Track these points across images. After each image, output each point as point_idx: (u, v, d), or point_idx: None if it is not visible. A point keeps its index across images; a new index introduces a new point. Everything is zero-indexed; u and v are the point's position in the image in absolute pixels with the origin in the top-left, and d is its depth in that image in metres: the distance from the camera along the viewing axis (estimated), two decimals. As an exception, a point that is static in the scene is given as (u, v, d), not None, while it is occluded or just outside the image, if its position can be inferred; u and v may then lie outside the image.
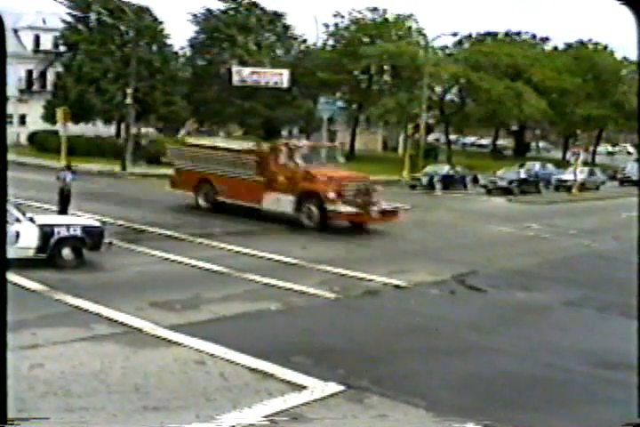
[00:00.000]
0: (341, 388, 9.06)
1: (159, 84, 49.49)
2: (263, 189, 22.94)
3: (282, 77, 52.51)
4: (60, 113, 37.60)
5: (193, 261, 16.35)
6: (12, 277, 12.14)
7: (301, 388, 9.00)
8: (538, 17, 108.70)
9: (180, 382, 9.03)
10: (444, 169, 42.56)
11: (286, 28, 60.44)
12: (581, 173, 43.89)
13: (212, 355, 10.02)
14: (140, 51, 44.65)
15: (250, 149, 24.03)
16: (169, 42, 53.33)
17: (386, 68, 59.51)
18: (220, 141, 27.74)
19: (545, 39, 72.62)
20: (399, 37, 60.29)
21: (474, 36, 69.46)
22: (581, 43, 70.15)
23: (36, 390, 8.41)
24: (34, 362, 9.27)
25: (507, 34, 71.25)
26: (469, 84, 55.34)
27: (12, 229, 13.73)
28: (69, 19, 51.02)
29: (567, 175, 44.12)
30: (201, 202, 24.74)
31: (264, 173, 23.05)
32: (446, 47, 64.25)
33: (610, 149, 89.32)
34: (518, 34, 71.73)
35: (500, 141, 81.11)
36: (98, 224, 16.30)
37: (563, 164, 52.38)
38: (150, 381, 8.99)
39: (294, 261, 17.11)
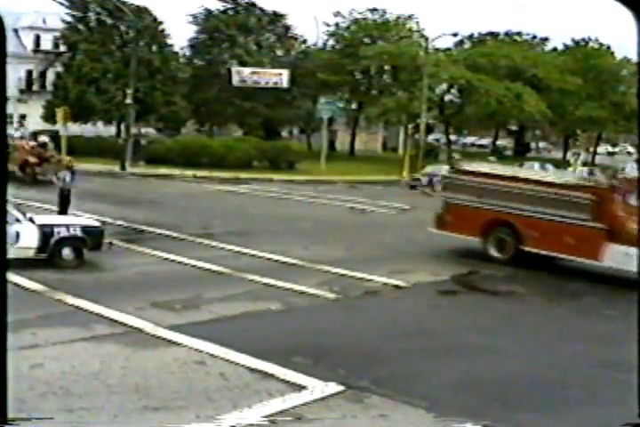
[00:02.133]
0: (341, 388, 9.06)
1: (159, 85, 49.48)
2: (602, 240, 16.88)
3: (282, 78, 52.55)
4: (60, 113, 37.57)
5: (193, 262, 16.35)
6: (12, 277, 12.15)
7: (301, 388, 9.00)
8: (538, 17, 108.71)
9: (180, 383, 9.03)
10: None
11: (286, 28, 60.48)
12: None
13: (212, 355, 10.02)
14: (139, 51, 44.64)
15: (581, 185, 17.92)
16: (169, 42, 53.40)
17: (386, 68, 59.54)
18: (522, 171, 21.95)
19: (545, 39, 72.65)
20: (400, 38, 60.31)
21: (475, 36, 69.49)
22: (582, 42, 70.15)
23: (36, 390, 8.42)
24: (34, 362, 9.27)
25: (507, 34, 71.24)
26: (469, 84, 55.35)
27: (12, 229, 13.73)
28: (69, 19, 51.02)
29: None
30: (492, 251, 18.62)
31: (604, 217, 17.00)
32: (448, 49, 64.23)
33: (610, 149, 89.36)
34: (519, 34, 71.73)
35: (500, 142, 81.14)
36: (98, 224, 16.33)
37: (562, 164, 52.39)
38: (150, 381, 8.99)
39: (294, 261, 17.10)
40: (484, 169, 20.24)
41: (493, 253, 18.62)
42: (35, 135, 39.40)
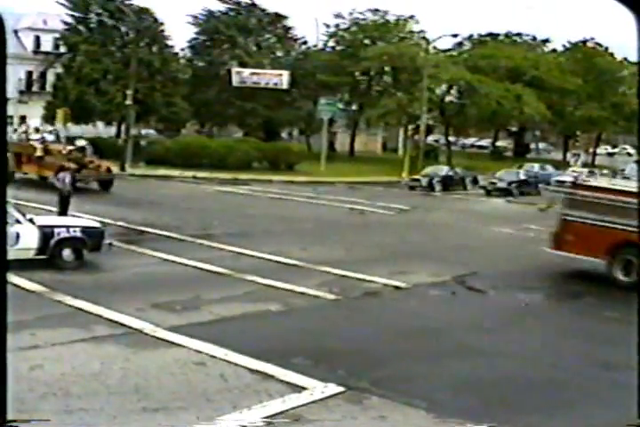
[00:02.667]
0: (341, 389, 9.06)
1: (159, 86, 49.47)
2: None
3: (282, 79, 52.58)
4: (60, 114, 37.57)
5: (193, 263, 16.35)
6: (12, 278, 12.15)
7: (301, 389, 9.00)
8: (538, 17, 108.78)
9: (179, 384, 9.03)
10: (444, 170, 42.60)
11: (287, 29, 60.49)
12: (581, 175, 43.89)
13: (212, 356, 10.02)
14: (140, 52, 44.65)
15: None
16: (169, 43, 53.41)
17: (386, 69, 59.56)
18: None
19: (545, 41, 72.68)
20: (400, 39, 60.33)
21: (475, 37, 69.50)
22: (582, 43, 70.17)
23: (36, 391, 8.41)
24: (34, 363, 9.27)
25: (507, 35, 71.26)
26: (469, 85, 55.37)
27: (12, 230, 13.73)
28: (70, 20, 51.03)
29: (566, 176, 44.12)
30: (618, 274, 16.87)
31: None
32: (449, 50, 64.26)
33: (610, 150, 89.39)
34: (519, 35, 71.77)
35: (500, 142, 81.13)
36: (98, 225, 16.33)
37: (562, 165, 52.40)
38: (150, 382, 8.99)
39: (294, 262, 17.11)
40: (609, 185, 18.59)
41: (619, 276, 16.87)
42: (69, 138, 36.43)
